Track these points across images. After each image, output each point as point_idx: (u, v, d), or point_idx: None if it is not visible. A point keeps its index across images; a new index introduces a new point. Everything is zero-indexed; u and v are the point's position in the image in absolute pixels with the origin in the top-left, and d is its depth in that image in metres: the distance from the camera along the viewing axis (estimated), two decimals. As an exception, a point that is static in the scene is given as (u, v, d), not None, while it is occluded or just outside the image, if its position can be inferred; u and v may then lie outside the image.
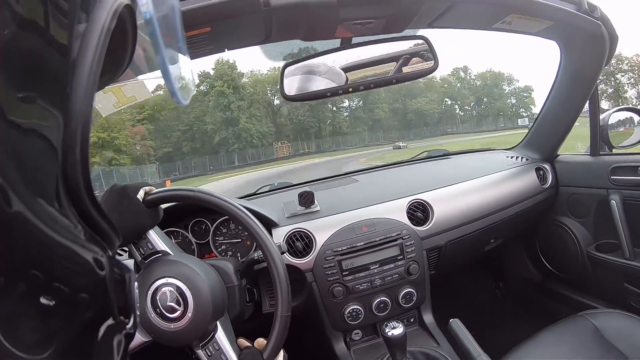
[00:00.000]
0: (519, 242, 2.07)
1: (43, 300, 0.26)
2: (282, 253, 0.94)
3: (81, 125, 0.32)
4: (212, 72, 60.06)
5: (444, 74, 72.99)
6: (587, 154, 1.65)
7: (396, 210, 1.41)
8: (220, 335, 0.91)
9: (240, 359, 0.90)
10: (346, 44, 1.13)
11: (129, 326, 0.44)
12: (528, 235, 2.00)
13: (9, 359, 0.24)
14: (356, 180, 1.75)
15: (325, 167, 29.97)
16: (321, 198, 1.46)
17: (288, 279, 0.90)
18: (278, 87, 1.13)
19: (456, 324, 1.10)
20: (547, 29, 1.25)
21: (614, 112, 1.59)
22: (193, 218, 1.37)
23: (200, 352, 0.90)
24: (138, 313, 0.82)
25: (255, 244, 1.34)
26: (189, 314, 0.85)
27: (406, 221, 1.39)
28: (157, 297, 0.85)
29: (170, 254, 0.92)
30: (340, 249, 1.30)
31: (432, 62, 1.10)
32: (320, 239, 1.31)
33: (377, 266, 1.32)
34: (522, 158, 1.79)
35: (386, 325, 1.05)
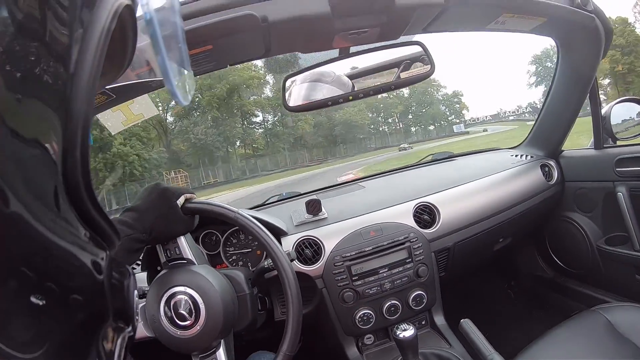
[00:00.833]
0: (528, 240, 2.07)
1: (33, 299, 0.27)
2: (292, 260, 0.96)
3: (81, 126, 0.32)
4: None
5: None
6: (592, 148, 1.65)
7: (403, 214, 1.43)
8: (221, 353, 0.92)
9: None
10: (344, 54, 1.15)
11: (127, 330, 0.44)
12: (537, 233, 1.99)
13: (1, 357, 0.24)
14: (362, 187, 1.77)
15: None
16: (328, 205, 1.48)
17: (298, 285, 0.92)
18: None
19: (467, 324, 1.10)
20: (542, 25, 1.27)
21: (616, 104, 1.59)
22: (204, 230, 1.39)
23: None
24: (137, 318, 0.85)
25: (265, 253, 1.37)
26: (198, 327, 0.87)
27: (413, 224, 1.40)
28: (172, 302, 0.88)
29: (194, 264, 0.94)
30: (349, 255, 1.31)
31: (429, 66, 1.12)
32: (328, 245, 1.33)
33: (386, 270, 1.33)
34: (526, 156, 1.79)
35: (397, 328, 1.06)
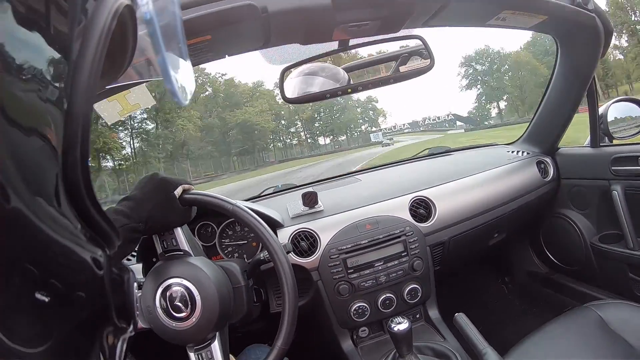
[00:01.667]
0: (523, 236, 2.08)
1: (38, 296, 0.27)
2: (288, 252, 0.96)
3: (81, 126, 0.32)
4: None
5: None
6: (588, 146, 1.66)
7: (399, 208, 1.43)
8: (216, 346, 0.92)
9: None
10: (343, 46, 1.15)
11: (129, 330, 0.46)
12: (532, 229, 2.01)
13: (5, 351, 0.25)
14: (359, 180, 1.77)
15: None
16: (324, 198, 1.48)
17: (294, 277, 0.92)
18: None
19: (461, 318, 1.11)
20: (542, 23, 1.27)
21: (613, 103, 1.60)
22: (200, 221, 1.39)
23: (193, 355, 0.91)
24: (137, 312, 0.85)
25: (261, 244, 1.36)
26: (194, 319, 0.86)
27: (409, 218, 1.41)
28: (167, 294, 0.87)
29: (190, 255, 0.94)
30: (344, 248, 1.32)
31: (429, 60, 1.12)
32: (324, 238, 1.33)
33: (381, 263, 1.34)
34: (522, 152, 1.80)
35: (392, 321, 1.06)
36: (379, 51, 1.21)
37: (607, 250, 1.60)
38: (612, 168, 1.53)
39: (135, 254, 1.35)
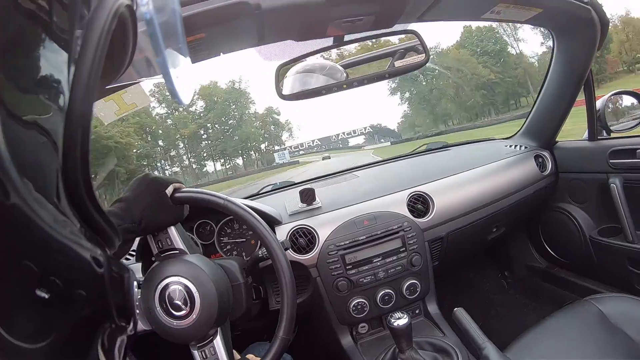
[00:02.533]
0: (522, 230, 2.08)
1: (38, 292, 0.27)
2: (286, 249, 0.96)
3: (81, 125, 0.32)
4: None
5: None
6: (586, 140, 1.65)
7: (397, 203, 1.43)
8: (219, 341, 0.92)
9: None
10: (339, 42, 1.15)
11: (128, 329, 0.45)
12: (531, 223, 2.00)
13: (4, 346, 0.25)
14: (356, 176, 1.77)
15: None
16: (322, 194, 1.48)
17: (292, 274, 0.92)
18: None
19: (460, 312, 1.11)
20: (538, 16, 1.26)
21: (611, 95, 1.60)
22: (198, 220, 1.39)
23: (196, 353, 0.92)
24: (137, 311, 0.85)
25: (259, 242, 1.36)
26: (194, 316, 0.86)
27: (407, 213, 1.40)
28: (166, 293, 0.87)
29: (186, 253, 0.94)
30: (343, 244, 1.31)
31: (423, 55, 1.12)
32: (322, 234, 1.33)
33: (380, 259, 1.33)
34: (520, 146, 1.80)
35: (391, 317, 1.06)
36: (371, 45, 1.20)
37: (606, 244, 1.60)
38: (610, 161, 1.53)
39: (134, 253, 1.35)
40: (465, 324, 1.08)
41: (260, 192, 1.81)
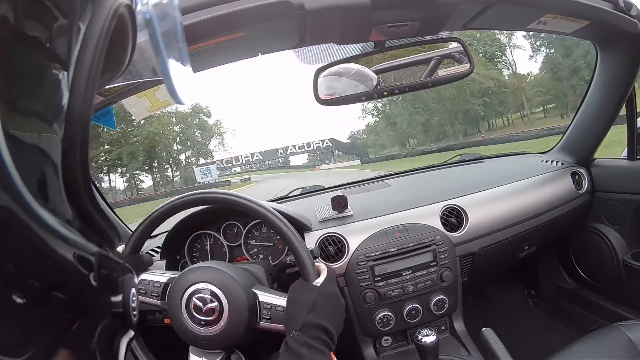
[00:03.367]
0: (551, 249, 2.01)
1: (15, 298, 0.25)
2: (315, 258, 0.93)
3: (81, 126, 0.32)
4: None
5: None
6: (624, 158, 1.60)
7: (430, 216, 1.39)
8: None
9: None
10: (380, 47, 1.12)
11: (127, 332, 0.45)
12: (561, 242, 1.94)
13: None
14: (388, 185, 1.74)
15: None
16: (354, 202, 1.45)
17: None
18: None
19: (489, 333, 1.07)
20: (583, 28, 1.22)
21: None
22: (226, 221, 1.37)
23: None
24: (134, 312, 0.84)
25: (287, 247, 1.34)
26: (222, 323, 0.85)
27: (440, 227, 1.37)
28: (193, 300, 0.85)
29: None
30: (373, 255, 1.28)
31: (468, 65, 1.09)
32: (353, 243, 1.30)
33: (409, 272, 1.30)
34: (557, 162, 1.74)
35: (419, 333, 1.04)
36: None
37: (639, 268, 1.53)
38: (650, 182, 1.47)
39: (159, 249, 1.34)
40: (493, 345, 1.05)
41: (289, 195, 1.79)
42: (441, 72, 1.09)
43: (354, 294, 1.29)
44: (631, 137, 1.53)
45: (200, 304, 0.85)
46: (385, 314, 1.31)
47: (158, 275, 0.96)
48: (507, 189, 1.54)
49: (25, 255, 0.27)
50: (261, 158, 54.64)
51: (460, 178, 1.79)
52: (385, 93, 1.10)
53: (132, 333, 0.47)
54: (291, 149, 54.16)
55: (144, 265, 0.97)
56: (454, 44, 1.11)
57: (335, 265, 1.28)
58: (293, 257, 0.93)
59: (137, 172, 45.02)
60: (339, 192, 1.43)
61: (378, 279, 1.28)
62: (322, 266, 0.90)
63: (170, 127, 47.97)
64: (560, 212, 1.58)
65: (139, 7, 0.40)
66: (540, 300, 2.17)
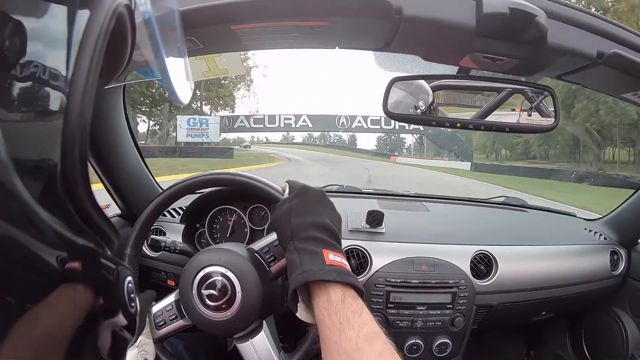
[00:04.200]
0: (564, 319, 1.94)
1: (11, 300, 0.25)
2: None
3: (80, 126, 0.32)
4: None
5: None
6: None
7: (460, 257, 1.33)
8: (264, 335, 0.90)
9: None
10: (464, 74, 1.05)
11: (130, 341, 0.45)
12: (577, 316, 1.86)
13: None
14: (427, 209, 1.69)
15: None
16: (388, 219, 1.40)
17: None
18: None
19: None
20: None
21: None
22: (253, 203, 1.34)
23: (241, 347, 0.90)
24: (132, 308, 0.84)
25: None
26: (235, 307, 0.83)
27: (467, 271, 1.31)
28: (205, 284, 0.84)
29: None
30: (393, 280, 1.23)
31: (553, 119, 1.02)
32: (377, 263, 1.26)
33: (424, 308, 1.25)
34: (600, 235, 1.66)
35: None
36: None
37: None
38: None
39: (181, 211, 1.31)
40: None
41: (325, 188, 1.74)
42: (523, 120, 1.02)
43: None
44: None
45: (212, 287, 0.84)
46: (386, 342, 1.26)
47: (165, 300, 0.96)
48: (544, 251, 1.48)
49: (25, 255, 0.27)
50: (309, 125, 37.21)
51: (500, 223, 1.74)
52: (459, 124, 1.04)
53: (140, 339, 0.46)
54: (359, 121, 36.02)
55: (149, 301, 0.97)
56: (543, 93, 1.04)
57: None
58: None
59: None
60: (375, 203, 1.37)
61: (391, 306, 1.24)
62: (284, 184, 0.89)
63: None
64: (589, 287, 1.51)
65: (138, 7, 0.40)
66: (538, 363, 2.09)
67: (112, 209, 1.45)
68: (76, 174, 0.33)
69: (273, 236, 0.89)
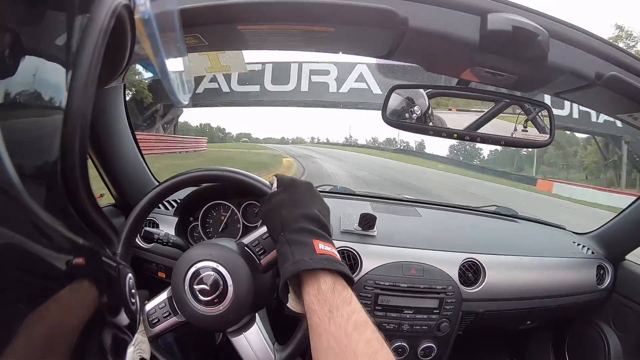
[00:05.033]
0: (548, 329, 1.97)
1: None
2: None
3: (80, 126, 0.32)
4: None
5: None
6: None
7: (449, 263, 1.36)
8: (257, 328, 0.92)
9: None
10: (463, 86, 1.07)
11: (131, 342, 0.46)
12: (561, 327, 1.89)
13: None
14: (419, 214, 1.71)
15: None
16: (380, 222, 1.41)
17: None
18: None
19: None
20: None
21: None
22: (248, 199, 1.35)
23: (234, 340, 0.91)
24: (131, 305, 0.84)
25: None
26: (227, 301, 0.84)
27: (455, 277, 1.34)
28: (196, 279, 0.84)
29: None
30: (382, 284, 1.26)
31: (548, 136, 1.03)
32: (366, 265, 1.28)
33: (411, 312, 1.27)
34: (588, 249, 1.69)
35: None
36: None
37: None
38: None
39: (175, 204, 1.32)
40: None
41: (317, 188, 1.75)
42: (518, 135, 1.04)
43: None
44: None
45: (204, 282, 0.84)
46: (372, 344, 1.28)
47: (158, 297, 0.97)
48: (533, 262, 1.50)
49: (24, 256, 0.27)
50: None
51: (490, 232, 1.76)
52: (455, 135, 1.05)
53: (136, 338, 0.48)
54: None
55: (142, 299, 0.97)
56: (540, 109, 1.05)
57: None
58: None
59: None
60: (368, 205, 1.39)
61: (379, 308, 1.26)
62: (272, 178, 0.90)
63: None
64: (574, 300, 1.54)
65: (137, 7, 0.40)
66: (520, 371, 2.12)
67: (106, 199, 1.45)
68: (76, 176, 0.33)
69: (262, 229, 0.90)
